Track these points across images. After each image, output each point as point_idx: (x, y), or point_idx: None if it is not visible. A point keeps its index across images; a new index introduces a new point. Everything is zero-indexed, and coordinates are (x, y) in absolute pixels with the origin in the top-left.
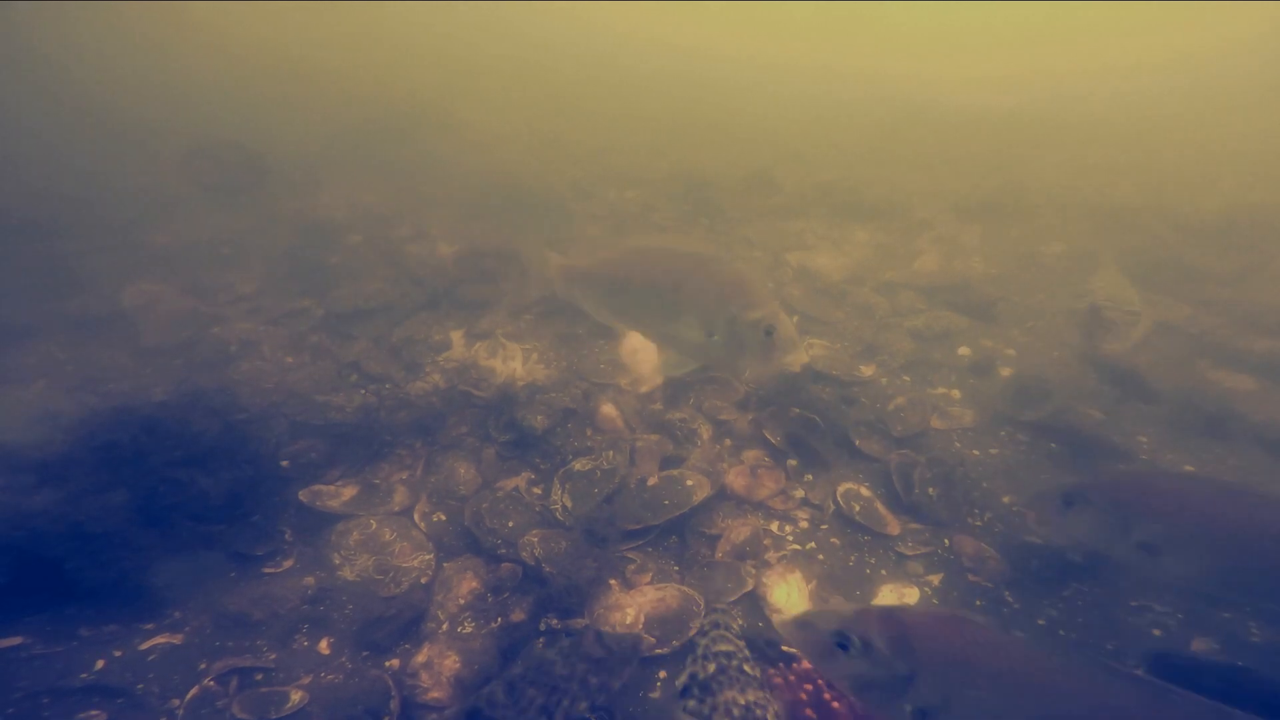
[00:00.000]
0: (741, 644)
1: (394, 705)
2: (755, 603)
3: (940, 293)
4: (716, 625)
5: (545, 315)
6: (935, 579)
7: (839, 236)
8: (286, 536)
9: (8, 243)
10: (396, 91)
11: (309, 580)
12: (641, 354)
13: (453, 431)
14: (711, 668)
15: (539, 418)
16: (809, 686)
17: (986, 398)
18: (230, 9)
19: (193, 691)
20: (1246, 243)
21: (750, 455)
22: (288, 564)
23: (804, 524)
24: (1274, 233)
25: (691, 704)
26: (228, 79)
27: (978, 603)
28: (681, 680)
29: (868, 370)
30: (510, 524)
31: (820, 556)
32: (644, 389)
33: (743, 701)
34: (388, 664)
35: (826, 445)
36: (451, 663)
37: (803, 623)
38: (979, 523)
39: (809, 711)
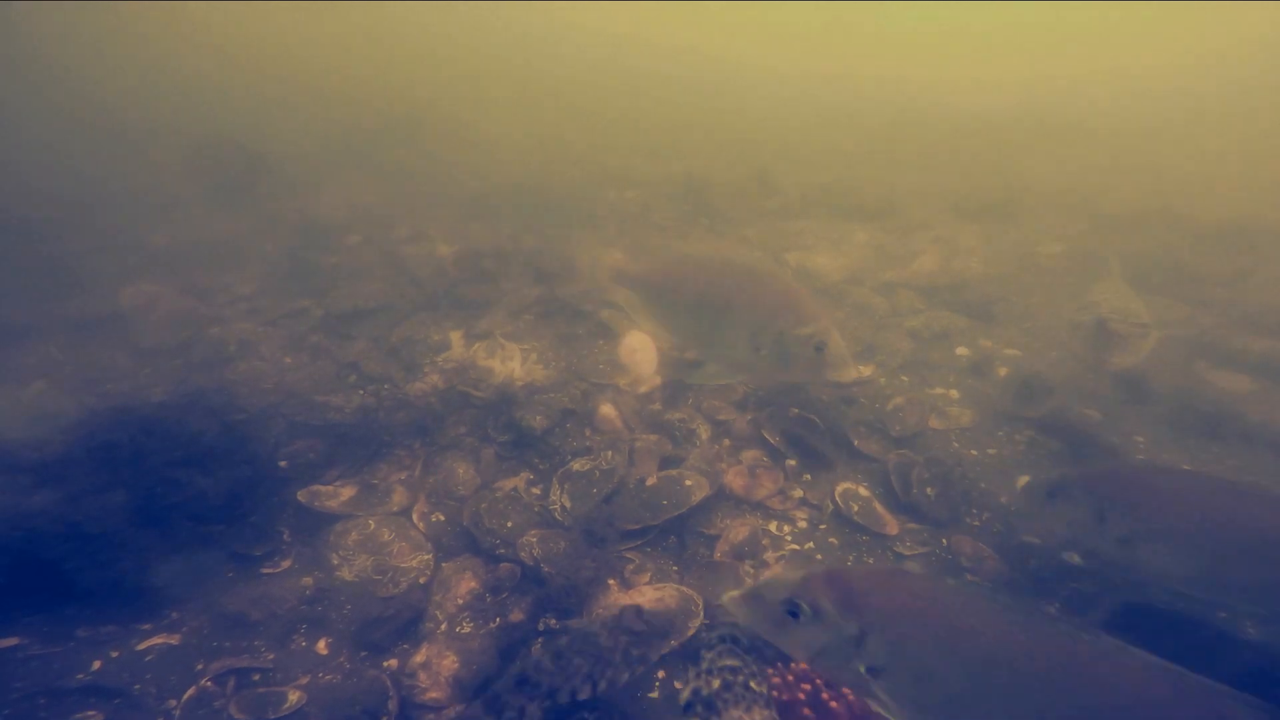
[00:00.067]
0: (749, 658)
1: (392, 705)
2: None
3: (939, 293)
4: (724, 639)
5: (544, 315)
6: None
7: (838, 237)
8: (285, 537)
9: (7, 243)
10: (396, 93)
11: (307, 580)
12: (640, 354)
13: (451, 432)
14: (716, 683)
15: (538, 418)
16: (807, 686)
17: (985, 398)
18: (229, 10)
19: (190, 692)
20: (1245, 244)
21: (749, 455)
22: (286, 564)
23: (802, 524)
24: (1272, 234)
25: None
26: (226, 80)
27: None
28: (685, 695)
29: (866, 370)
30: (509, 524)
31: (819, 556)
32: (643, 389)
33: None
34: (386, 664)
35: (825, 445)
36: (450, 663)
37: (751, 595)
38: (977, 523)
39: (807, 711)
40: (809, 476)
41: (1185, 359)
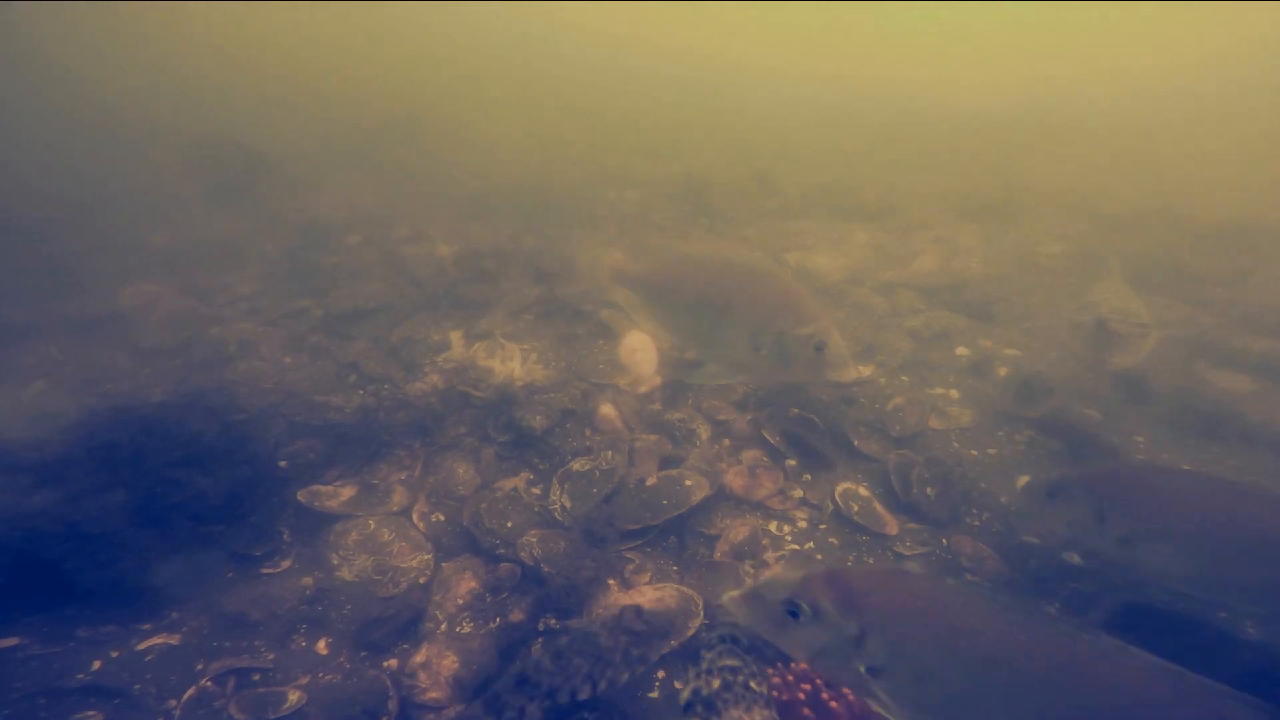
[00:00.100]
0: (749, 658)
1: (392, 705)
2: None
3: (939, 293)
4: (724, 639)
5: (544, 315)
6: None
7: (838, 237)
8: (285, 537)
9: (7, 243)
10: (396, 93)
11: (307, 580)
12: (640, 354)
13: (451, 432)
14: (716, 683)
15: (538, 418)
16: (807, 686)
17: (985, 398)
18: (229, 9)
19: (190, 692)
20: (1245, 244)
21: (749, 455)
22: (286, 564)
23: (802, 524)
24: (1272, 234)
25: None
26: (226, 80)
27: None
28: (685, 695)
29: (866, 370)
30: (509, 524)
31: (819, 556)
32: (643, 389)
33: None
34: (386, 664)
35: (825, 445)
36: (450, 663)
37: (751, 596)
38: (977, 522)
39: (807, 711)
40: (809, 476)
41: (1185, 359)
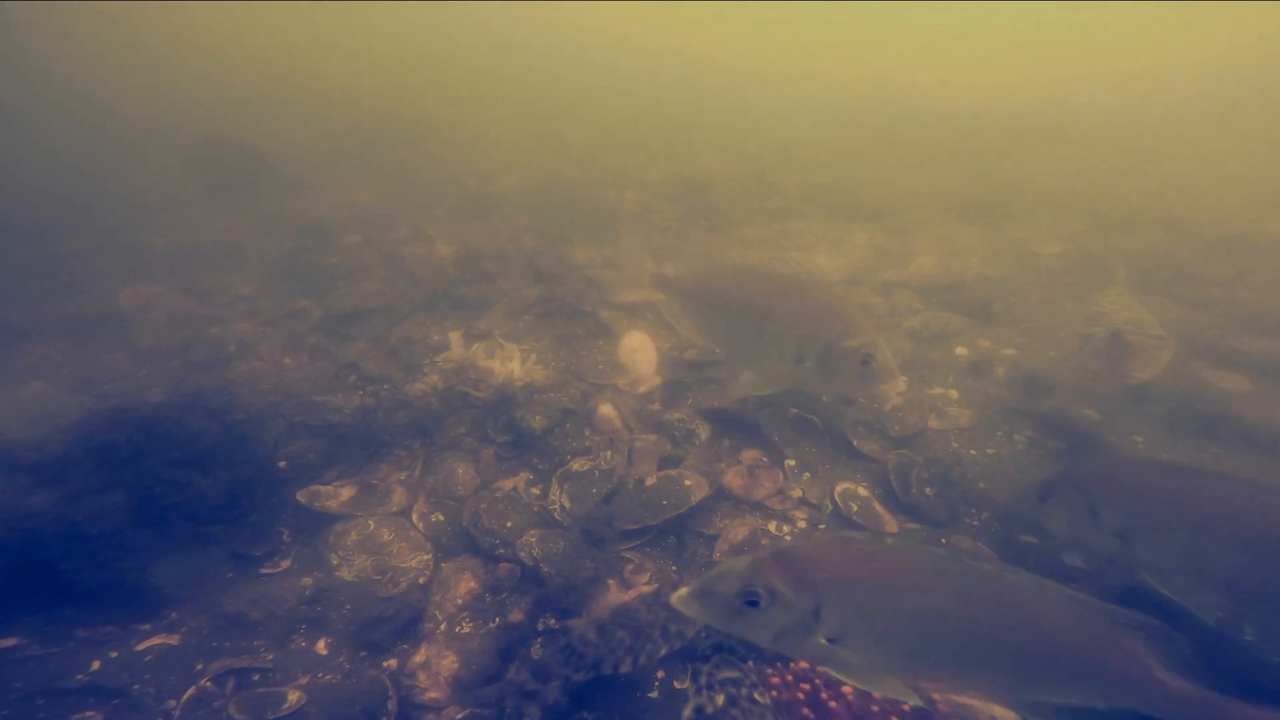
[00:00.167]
0: (748, 666)
1: (391, 705)
2: None
3: (938, 293)
4: (719, 648)
5: (543, 316)
6: None
7: (837, 237)
8: (284, 537)
9: (6, 243)
10: (396, 93)
11: (307, 580)
12: (640, 354)
13: (451, 432)
14: (720, 699)
15: (537, 418)
16: (806, 685)
17: (984, 398)
18: (230, 10)
19: (189, 692)
20: (1244, 245)
21: (748, 455)
22: (285, 564)
23: (802, 524)
24: (1270, 236)
25: None
26: (224, 81)
27: None
28: (687, 714)
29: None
30: (508, 524)
31: None
32: (642, 389)
33: None
34: (385, 664)
35: (824, 445)
36: (449, 663)
37: (702, 591)
38: (976, 522)
39: (806, 711)
40: (808, 476)
41: (1184, 359)
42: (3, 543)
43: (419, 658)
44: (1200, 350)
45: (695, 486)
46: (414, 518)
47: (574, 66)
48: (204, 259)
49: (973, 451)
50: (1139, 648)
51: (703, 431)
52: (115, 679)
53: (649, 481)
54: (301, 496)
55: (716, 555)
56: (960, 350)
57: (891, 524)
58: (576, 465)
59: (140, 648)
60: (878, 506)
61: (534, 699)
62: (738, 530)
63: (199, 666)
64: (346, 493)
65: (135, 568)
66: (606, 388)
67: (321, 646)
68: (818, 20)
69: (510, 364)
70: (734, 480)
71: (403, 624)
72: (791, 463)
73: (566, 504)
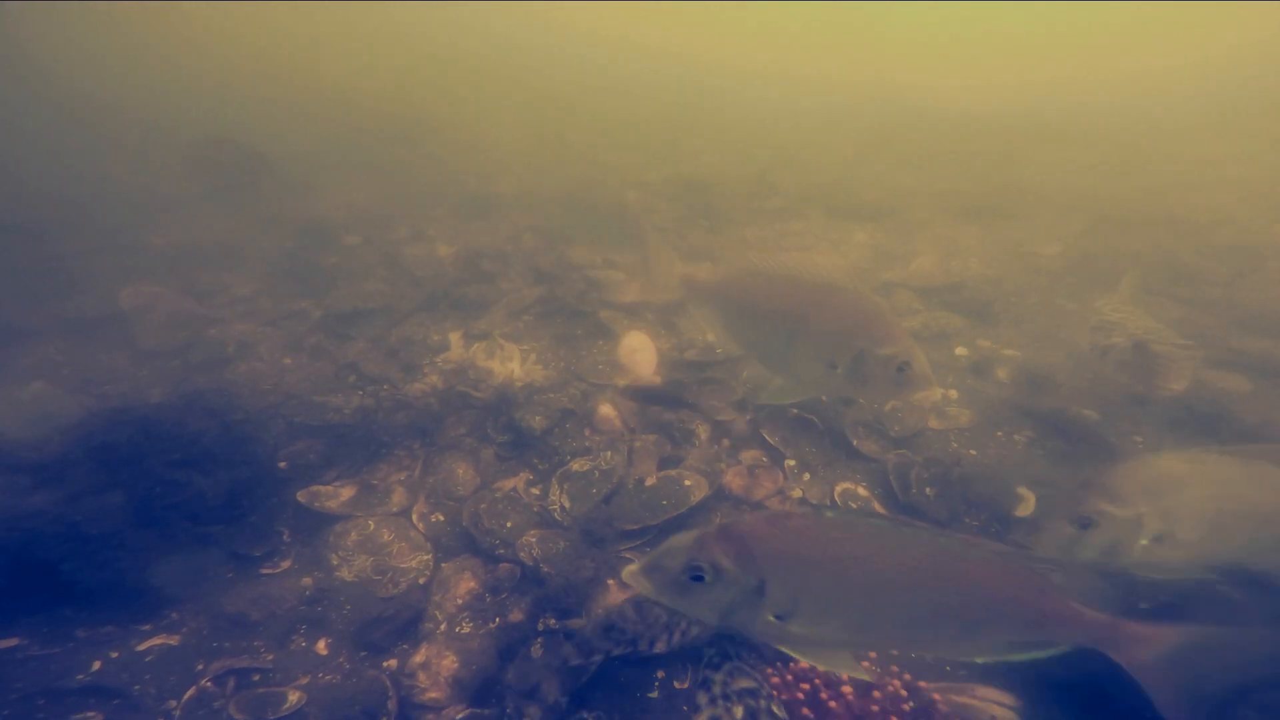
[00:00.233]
0: (762, 676)
1: (391, 705)
2: None
3: (938, 293)
4: (727, 656)
5: (543, 316)
6: None
7: (837, 237)
8: (284, 537)
9: (5, 244)
10: (395, 94)
11: (307, 581)
12: (639, 354)
13: (451, 432)
14: (739, 712)
15: (537, 418)
16: (805, 685)
17: (984, 398)
18: (230, 10)
19: (190, 692)
20: (1243, 245)
21: (748, 455)
22: (285, 564)
23: None
24: (1269, 236)
25: None
26: (224, 81)
27: None
28: None
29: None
30: (508, 524)
31: None
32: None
33: None
34: (385, 664)
35: (824, 445)
36: (449, 663)
37: (651, 567)
38: (976, 522)
39: (806, 710)
40: (808, 476)
41: None
42: (3, 543)
43: (419, 658)
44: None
45: (695, 486)
46: (414, 518)
47: (574, 67)
48: (204, 259)
49: (972, 451)
50: (1058, 588)
51: (702, 431)
52: (115, 679)
53: (649, 481)
54: (301, 497)
55: None
56: (960, 350)
57: None
58: (576, 465)
59: (140, 648)
60: (878, 507)
61: (534, 698)
62: None
63: (199, 667)
64: (346, 493)
65: (135, 568)
66: (606, 388)
67: (321, 646)
68: (818, 21)
69: (510, 364)
70: (734, 480)
71: (403, 624)
72: (791, 463)
73: (566, 504)
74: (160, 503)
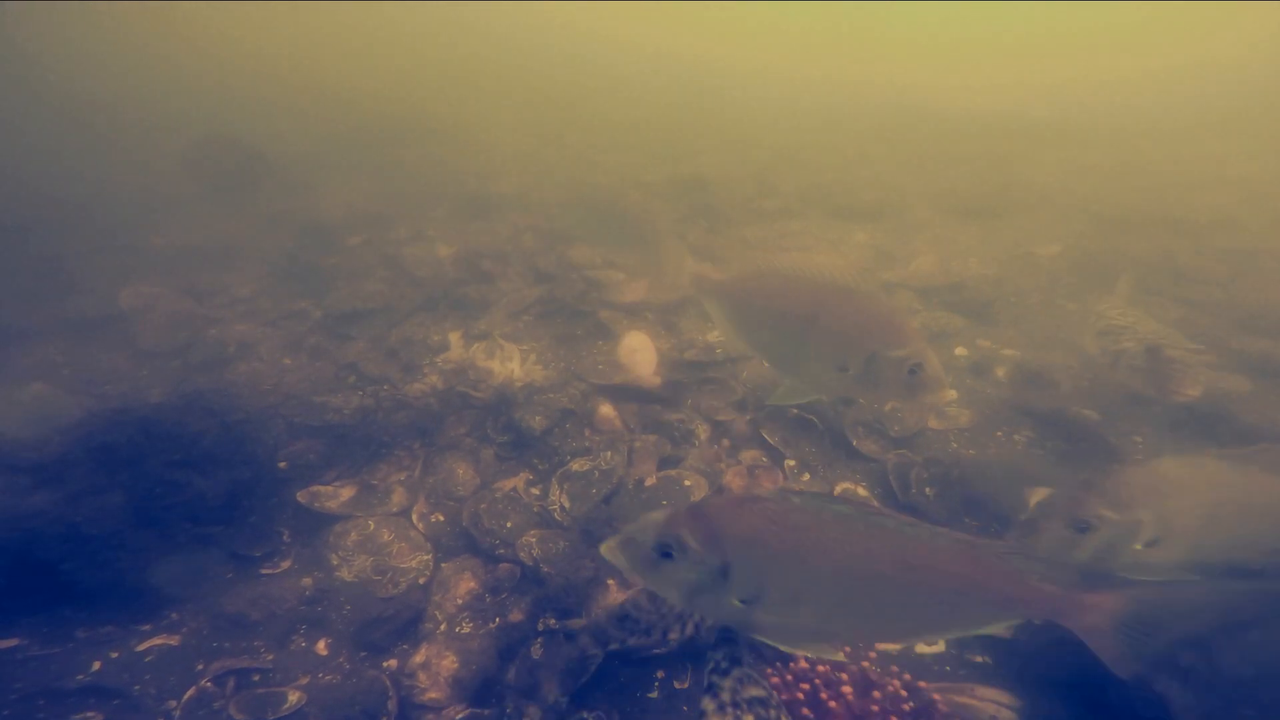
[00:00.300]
0: (770, 685)
1: (391, 705)
2: None
3: (937, 293)
4: (736, 661)
5: (543, 316)
6: None
7: (836, 238)
8: (284, 537)
9: (4, 244)
10: (395, 94)
11: (307, 581)
12: (639, 354)
13: (451, 432)
14: None
15: (537, 418)
16: (805, 685)
17: (984, 398)
18: (227, 10)
19: (190, 693)
20: (1242, 246)
21: (748, 455)
22: (285, 565)
23: None
24: (1268, 236)
25: None
26: (224, 81)
27: None
28: None
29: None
30: (508, 524)
31: None
32: (642, 389)
33: None
34: (385, 664)
35: (824, 445)
36: (449, 663)
37: (626, 541)
38: (976, 522)
39: (805, 711)
40: (808, 477)
41: None
42: (3, 543)
43: (419, 658)
44: None
45: (695, 486)
46: (414, 518)
47: (574, 67)
48: (204, 259)
49: (972, 451)
50: (1018, 571)
51: (702, 432)
52: (115, 679)
53: (649, 482)
54: (301, 497)
55: None
56: (960, 350)
57: None
58: (576, 465)
59: (140, 648)
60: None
61: (534, 698)
62: None
63: (199, 667)
64: (346, 493)
65: (135, 568)
66: (606, 388)
67: (321, 647)
68: (818, 21)
69: (510, 364)
70: (734, 480)
71: (403, 624)
72: (791, 463)
73: (566, 504)
74: (160, 503)
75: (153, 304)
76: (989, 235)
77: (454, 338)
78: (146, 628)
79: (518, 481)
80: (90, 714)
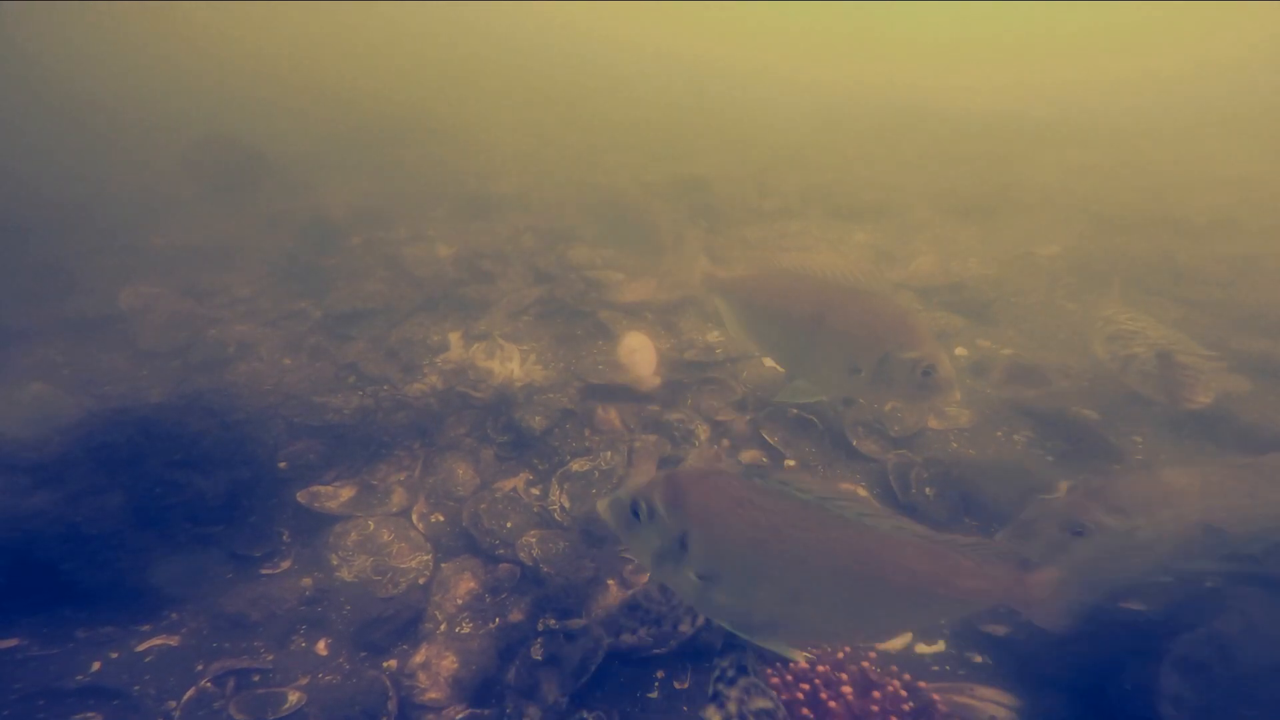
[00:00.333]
0: (776, 697)
1: (391, 706)
2: None
3: (937, 293)
4: (743, 670)
5: (543, 316)
6: None
7: (836, 238)
8: (284, 537)
9: (4, 245)
10: (395, 94)
11: (307, 581)
12: (639, 354)
13: (451, 432)
14: None
15: (537, 418)
16: (805, 685)
17: (984, 398)
18: (227, 10)
19: (189, 693)
20: (1241, 246)
21: (748, 455)
22: (285, 565)
23: None
24: (1268, 236)
25: None
26: (224, 81)
27: None
28: None
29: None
30: (508, 524)
31: None
32: (642, 389)
33: None
34: (385, 665)
35: (824, 445)
36: (449, 663)
37: (614, 500)
38: (976, 522)
39: (805, 711)
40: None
41: None
42: (3, 543)
43: (419, 658)
44: None
45: None
46: (414, 518)
47: (574, 67)
48: (204, 259)
49: (972, 451)
50: (975, 565)
51: (702, 432)
52: (115, 680)
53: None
54: (301, 497)
55: None
56: (960, 350)
57: None
58: (576, 465)
59: (140, 648)
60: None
61: (534, 698)
62: None
63: (199, 667)
64: (346, 493)
65: (135, 568)
66: (606, 388)
67: (321, 647)
68: (819, 22)
69: (510, 364)
70: None
71: (403, 624)
72: (791, 463)
73: (566, 504)
74: (160, 503)
75: (153, 304)
76: (989, 235)
77: (454, 338)
78: (146, 628)
79: (518, 481)
80: (90, 714)
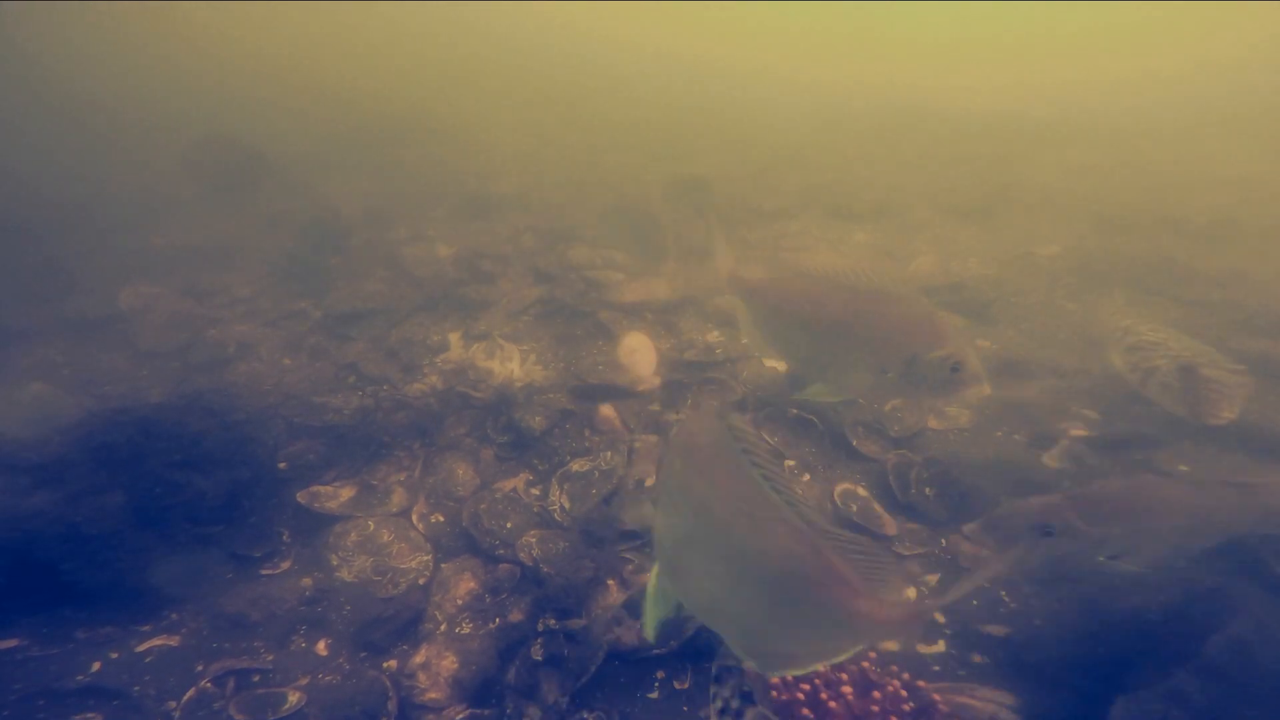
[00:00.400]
0: (772, 712)
1: (391, 706)
2: None
3: (937, 293)
4: (742, 696)
5: (543, 316)
6: (932, 578)
7: (836, 238)
8: (284, 538)
9: (4, 246)
10: (395, 94)
11: (306, 581)
12: (639, 354)
13: (451, 433)
14: None
15: (537, 418)
16: (805, 686)
17: (984, 398)
18: (227, 10)
19: (190, 693)
20: (1241, 246)
21: None
22: (285, 565)
23: None
24: (1268, 236)
25: None
26: (223, 81)
27: (974, 602)
28: None
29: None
30: (508, 525)
31: None
32: (641, 389)
33: None
34: (385, 665)
35: (824, 445)
36: (449, 663)
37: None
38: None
39: (805, 711)
40: (808, 477)
41: None
42: (3, 543)
43: (419, 658)
44: None
45: None
46: (414, 518)
47: (574, 67)
48: (204, 259)
49: (972, 452)
50: (867, 592)
51: None
52: (115, 680)
53: (649, 482)
54: (301, 497)
55: None
56: None
57: (890, 524)
58: (576, 465)
59: (140, 649)
60: (877, 507)
61: (534, 698)
62: None
63: (199, 667)
64: (346, 493)
65: (135, 568)
66: (605, 388)
67: (321, 647)
68: (819, 22)
69: (510, 364)
70: None
71: (403, 624)
72: (791, 463)
73: (566, 504)
74: (160, 503)
75: (153, 304)
76: (989, 235)
77: (454, 338)
78: (146, 628)
79: (518, 482)
80: (90, 714)
